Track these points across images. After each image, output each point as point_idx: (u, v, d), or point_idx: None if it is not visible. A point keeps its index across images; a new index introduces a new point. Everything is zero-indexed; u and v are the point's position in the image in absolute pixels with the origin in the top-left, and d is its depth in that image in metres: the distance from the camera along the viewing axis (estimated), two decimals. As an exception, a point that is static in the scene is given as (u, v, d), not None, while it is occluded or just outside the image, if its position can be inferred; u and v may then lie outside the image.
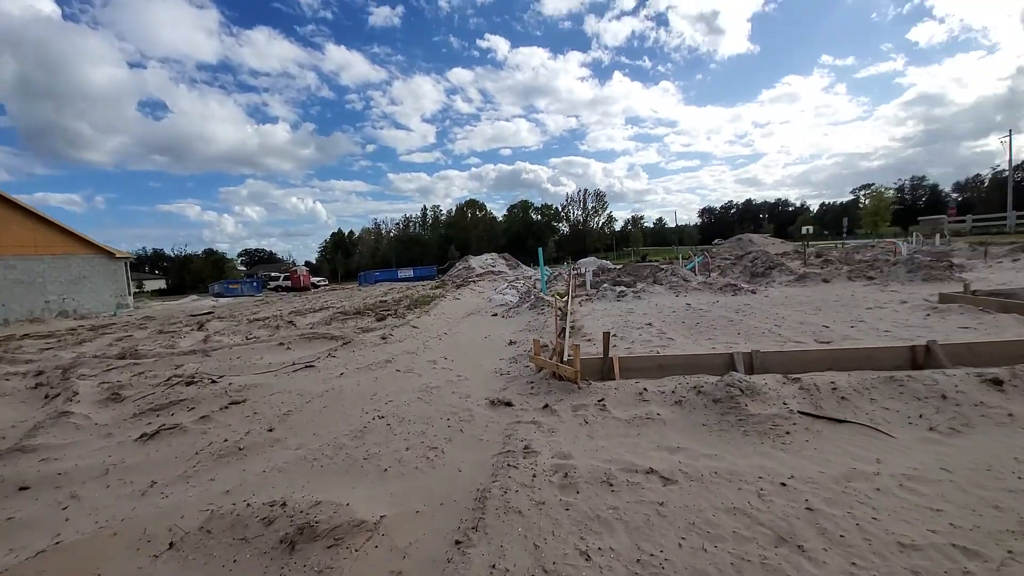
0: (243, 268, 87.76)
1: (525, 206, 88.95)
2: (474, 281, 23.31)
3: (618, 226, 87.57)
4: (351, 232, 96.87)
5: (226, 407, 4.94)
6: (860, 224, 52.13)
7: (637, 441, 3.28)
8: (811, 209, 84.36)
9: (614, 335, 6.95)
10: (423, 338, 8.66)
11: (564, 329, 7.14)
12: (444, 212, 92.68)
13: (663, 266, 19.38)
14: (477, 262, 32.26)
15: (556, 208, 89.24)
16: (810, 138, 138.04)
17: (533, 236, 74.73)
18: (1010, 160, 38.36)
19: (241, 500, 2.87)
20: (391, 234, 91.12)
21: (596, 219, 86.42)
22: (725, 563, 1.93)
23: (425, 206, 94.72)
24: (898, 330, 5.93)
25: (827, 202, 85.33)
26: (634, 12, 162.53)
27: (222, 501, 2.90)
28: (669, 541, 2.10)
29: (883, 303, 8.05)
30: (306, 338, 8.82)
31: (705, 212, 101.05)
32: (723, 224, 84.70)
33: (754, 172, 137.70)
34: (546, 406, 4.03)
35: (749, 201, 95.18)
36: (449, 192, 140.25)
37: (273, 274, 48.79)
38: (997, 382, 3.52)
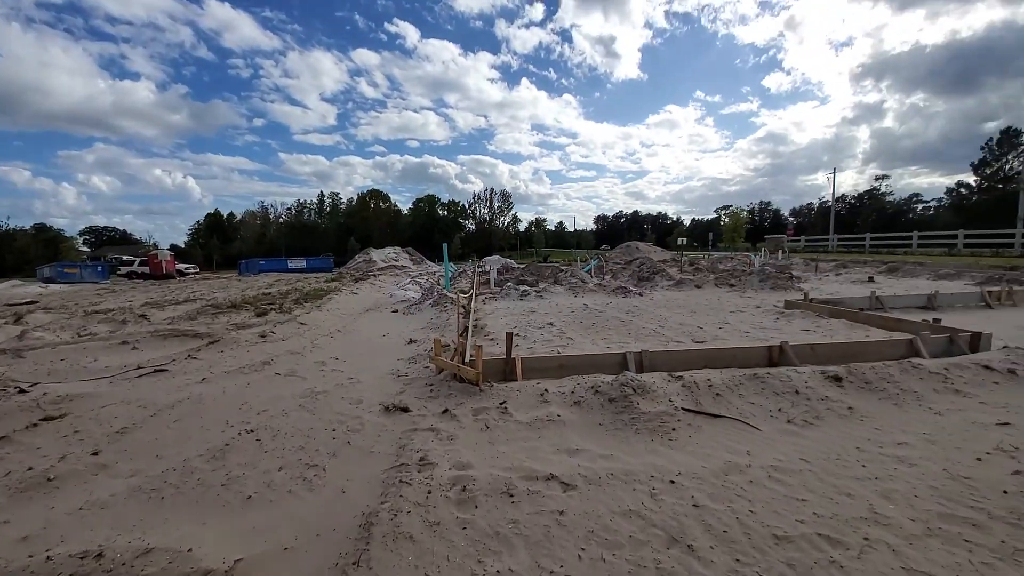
0: (87, 249, 72.56)
1: (431, 200, 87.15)
2: (374, 275, 22.04)
3: (522, 227, 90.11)
4: (230, 215, 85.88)
5: (35, 424, 3.88)
6: (722, 238, 60.61)
7: (538, 444, 3.21)
8: (684, 223, 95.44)
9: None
10: (312, 336, 7.84)
11: (467, 328, 6.96)
12: (344, 200, 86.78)
13: (563, 268, 20.25)
14: (379, 255, 30.62)
15: (463, 205, 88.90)
16: (685, 161, 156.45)
17: (439, 231, 73.46)
18: (832, 193, 48.37)
19: (41, 551, 2.20)
20: (281, 219, 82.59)
21: (502, 218, 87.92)
22: (623, 572, 1.90)
23: (322, 192, 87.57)
24: (755, 331, 6.78)
25: (696, 218, 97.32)
26: (542, 24, 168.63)
27: (14, 554, 2.20)
28: (569, 554, 2.02)
29: (742, 308, 9.23)
30: (160, 336, 7.44)
31: (599, 219, 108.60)
32: (615, 231, 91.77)
33: (640, 187, 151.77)
34: (446, 411, 3.81)
35: (636, 212, 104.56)
36: (351, 180, 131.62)
37: (126, 258, 41.31)
38: (837, 379, 4.13)
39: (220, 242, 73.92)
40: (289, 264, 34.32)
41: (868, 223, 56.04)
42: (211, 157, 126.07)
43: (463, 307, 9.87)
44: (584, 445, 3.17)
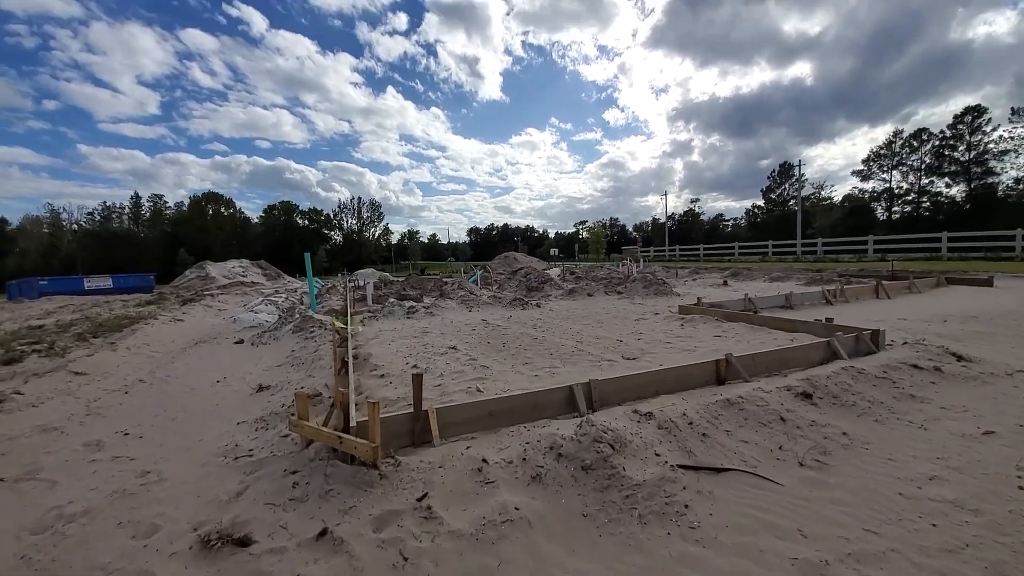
0: None
1: (288, 208, 77.78)
2: (212, 295, 17.76)
3: (395, 239, 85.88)
4: (2, 220, 64.69)
5: None
6: (587, 249, 66.20)
7: (501, 582, 1.87)
8: (550, 236, 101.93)
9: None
10: (92, 394, 5.18)
11: (345, 363, 5.20)
12: (172, 205, 72.13)
13: (446, 279, 18.89)
14: (219, 270, 25.25)
15: (328, 214, 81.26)
16: (545, 180, 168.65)
17: (299, 243, 65.47)
18: (666, 212, 57.34)
19: None
20: (76, 226, 65.00)
21: (372, 229, 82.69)
22: None
23: (137, 193, 71.41)
24: (677, 341, 6.39)
25: (560, 231, 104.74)
26: (406, 34, 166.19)
27: None
28: None
29: (643, 315, 9.06)
30: None
31: (472, 231, 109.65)
32: (487, 243, 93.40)
33: (508, 202, 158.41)
34: (324, 532, 2.21)
35: (506, 225, 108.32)
36: (183, 182, 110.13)
37: None
38: (807, 395, 3.61)
39: None
40: (86, 284, 26.19)
41: (697, 236, 66.48)
42: None
43: (338, 332, 7.89)
44: (580, 568, 1.93)
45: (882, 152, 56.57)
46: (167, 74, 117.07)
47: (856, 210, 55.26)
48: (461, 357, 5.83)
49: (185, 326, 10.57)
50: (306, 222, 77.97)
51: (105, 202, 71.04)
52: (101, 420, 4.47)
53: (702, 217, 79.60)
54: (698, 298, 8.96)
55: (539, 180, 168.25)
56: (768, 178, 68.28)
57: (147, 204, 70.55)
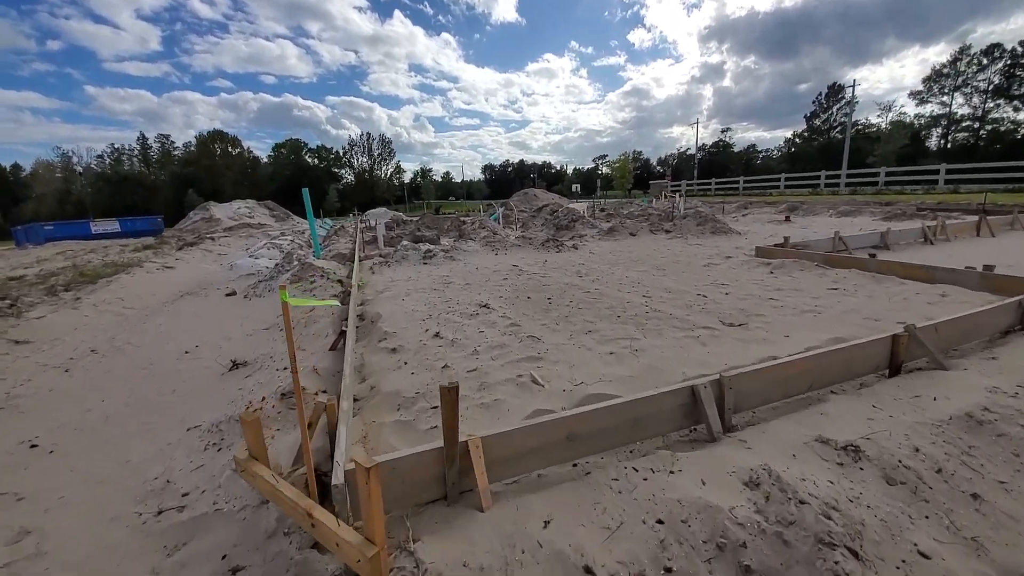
0: None
1: (297, 146, 74.88)
2: (213, 238, 16.54)
3: (407, 178, 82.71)
4: (15, 167, 63.88)
5: None
6: (609, 185, 62.27)
7: None
8: (568, 172, 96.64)
9: (436, 335, 4.01)
10: (21, 374, 3.97)
11: (344, 334, 3.81)
12: (180, 146, 70.00)
13: (464, 218, 17.22)
14: (225, 212, 23.91)
15: (337, 152, 78.20)
16: (563, 112, 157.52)
17: (310, 183, 63.37)
18: (696, 143, 52.17)
19: None
20: (82, 169, 63.91)
21: (384, 168, 79.66)
22: None
23: (143, 134, 69.22)
24: (780, 296, 4.80)
25: (578, 167, 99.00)
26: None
27: None
28: None
29: (711, 259, 7.40)
30: None
31: (487, 169, 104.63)
32: (503, 180, 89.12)
33: (524, 137, 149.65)
34: None
35: (522, 161, 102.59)
36: (192, 121, 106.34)
37: None
38: None
39: (9, 204, 54.87)
40: (93, 228, 25.33)
41: (735, 169, 61.91)
42: None
43: (339, 283, 6.50)
44: None
45: (944, 71, 49.95)
46: (165, 6, 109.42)
47: (912, 137, 49.97)
48: (498, 321, 4.38)
49: (174, 274, 9.36)
50: (316, 161, 75.16)
51: (113, 144, 69.22)
52: (13, 419, 3.24)
53: (733, 148, 73.83)
54: (784, 237, 7.20)
55: (556, 112, 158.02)
56: (813, 102, 61.75)
57: (155, 145, 68.56)
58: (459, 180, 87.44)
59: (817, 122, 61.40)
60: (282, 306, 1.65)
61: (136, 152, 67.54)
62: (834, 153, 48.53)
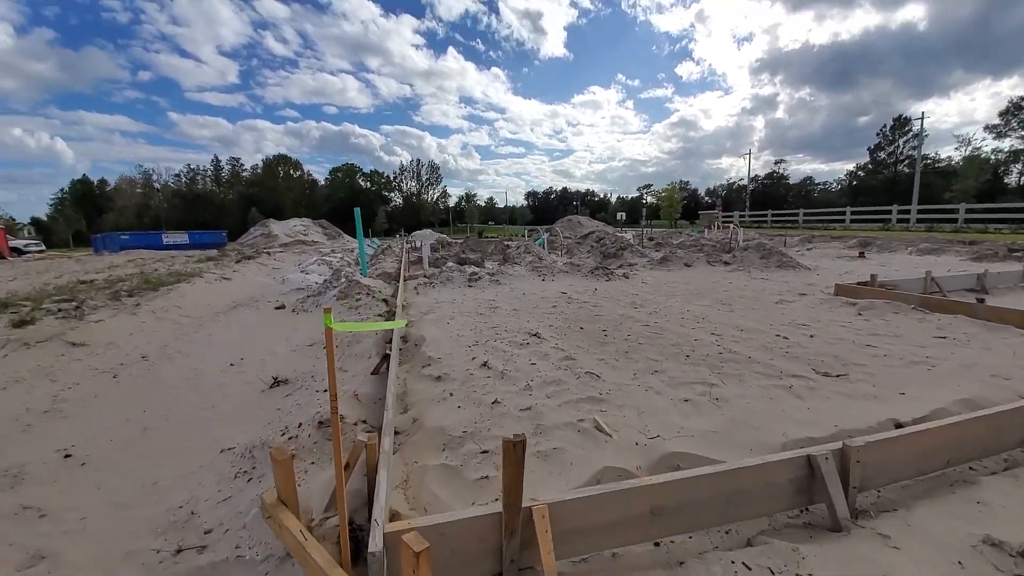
0: None
1: (351, 171, 79.05)
2: (269, 253, 17.28)
3: (452, 202, 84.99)
4: (102, 181, 71.11)
5: None
6: (656, 215, 61.08)
7: None
8: (611, 200, 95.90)
9: (484, 364, 3.68)
10: (71, 378, 3.99)
11: (387, 359, 3.56)
12: (248, 168, 75.62)
13: (508, 243, 17.12)
14: (282, 228, 25.18)
15: (388, 176, 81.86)
16: (607, 142, 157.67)
17: (362, 205, 66.33)
18: (748, 173, 50.51)
19: None
20: (159, 187, 69.99)
21: (431, 192, 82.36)
22: None
23: (217, 157, 75.42)
24: (879, 343, 4.16)
25: (621, 196, 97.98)
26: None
27: None
28: None
29: (782, 296, 6.73)
30: None
31: (530, 195, 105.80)
32: (546, 207, 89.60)
33: (567, 165, 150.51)
34: None
35: (565, 189, 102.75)
36: (261, 147, 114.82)
37: (-69, 233, 31.36)
38: None
39: (94, 214, 60.91)
40: (165, 240, 27.39)
41: (794, 201, 59.29)
42: (84, 115, 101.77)
43: (385, 302, 6.38)
44: None
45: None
46: (244, 43, 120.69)
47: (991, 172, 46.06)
48: (550, 352, 4.02)
49: (231, 286, 9.67)
50: (368, 184, 78.88)
51: (190, 165, 75.79)
52: (55, 424, 3.18)
53: (787, 180, 70.90)
54: (872, 275, 6.46)
55: (601, 142, 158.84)
56: (878, 134, 58.54)
57: (226, 167, 74.46)
58: (502, 205, 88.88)
59: (882, 155, 58.07)
60: (325, 332, 1.39)
61: (209, 172, 73.46)
62: (901, 187, 45.45)
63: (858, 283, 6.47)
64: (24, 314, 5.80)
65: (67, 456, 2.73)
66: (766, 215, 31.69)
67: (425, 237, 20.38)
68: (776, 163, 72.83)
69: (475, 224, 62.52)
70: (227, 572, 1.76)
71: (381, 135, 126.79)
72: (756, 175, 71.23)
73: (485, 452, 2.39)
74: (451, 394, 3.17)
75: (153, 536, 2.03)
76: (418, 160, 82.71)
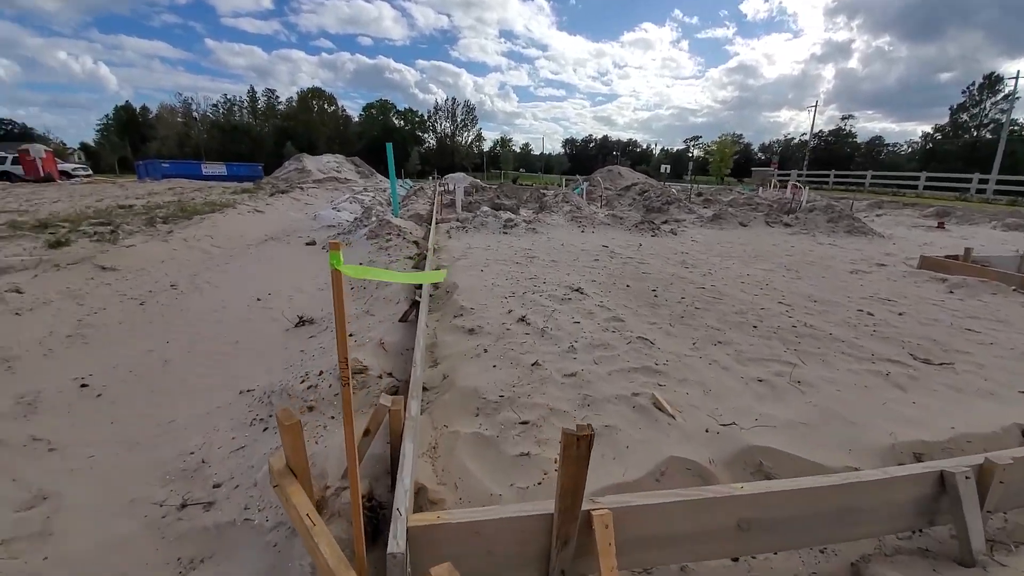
0: None
1: (385, 107, 77.13)
2: (302, 188, 17.15)
3: (486, 147, 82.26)
4: (143, 108, 72.13)
5: None
6: (703, 170, 57.24)
7: None
8: (654, 152, 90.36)
9: (522, 319, 3.32)
10: (98, 301, 3.89)
11: (416, 305, 3.25)
12: (283, 100, 74.90)
13: (544, 191, 16.33)
14: (316, 164, 24.96)
15: (423, 115, 79.56)
16: (656, 87, 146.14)
17: (395, 144, 65.10)
18: (811, 128, 45.59)
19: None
20: (197, 117, 70.51)
21: (465, 134, 79.89)
22: None
23: (253, 88, 74.75)
24: (984, 329, 3.54)
25: (665, 148, 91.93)
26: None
27: None
28: None
29: (855, 264, 6.00)
30: None
31: (568, 143, 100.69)
32: (584, 156, 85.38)
33: (610, 111, 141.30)
34: None
35: (606, 137, 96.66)
36: (295, 79, 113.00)
37: (-6, 153, 32.83)
38: None
39: (138, 142, 62.40)
40: (204, 170, 27.73)
41: (862, 162, 54.49)
42: (125, 40, 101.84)
43: (416, 244, 6.05)
44: None
45: None
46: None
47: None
48: (595, 311, 3.62)
49: (263, 218, 9.56)
50: (402, 123, 77.01)
51: (226, 95, 75.64)
52: (76, 350, 3.07)
53: (854, 138, 64.66)
54: (966, 248, 5.62)
55: (648, 87, 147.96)
56: (963, 92, 51.84)
57: (262, 99, 73.84)
58: (538, 152, 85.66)
59: (964, 117, 51.80)
60: (331, 275, 1.02)
61: (245, 104, 73.19)
62: (981, 155, 40.67)
63: (946, 256, 5.66)
64: (60, 235, 5.79)
65: (83, 386, 2.60)
66: (828, 175, 29.11)
67: (459, 180, 19.73)
68: (843, 119, 65.98)
69: (509, 171, 60.71)
70: (232, 538, 1.55)
71: (416, 71, 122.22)
72: (820, 131, 65.29)
73: (524, 423, 2.07)
74: (485, 350, 2.84)
75: (160, 484, 1.85)
76: (453, 99, 79.76)
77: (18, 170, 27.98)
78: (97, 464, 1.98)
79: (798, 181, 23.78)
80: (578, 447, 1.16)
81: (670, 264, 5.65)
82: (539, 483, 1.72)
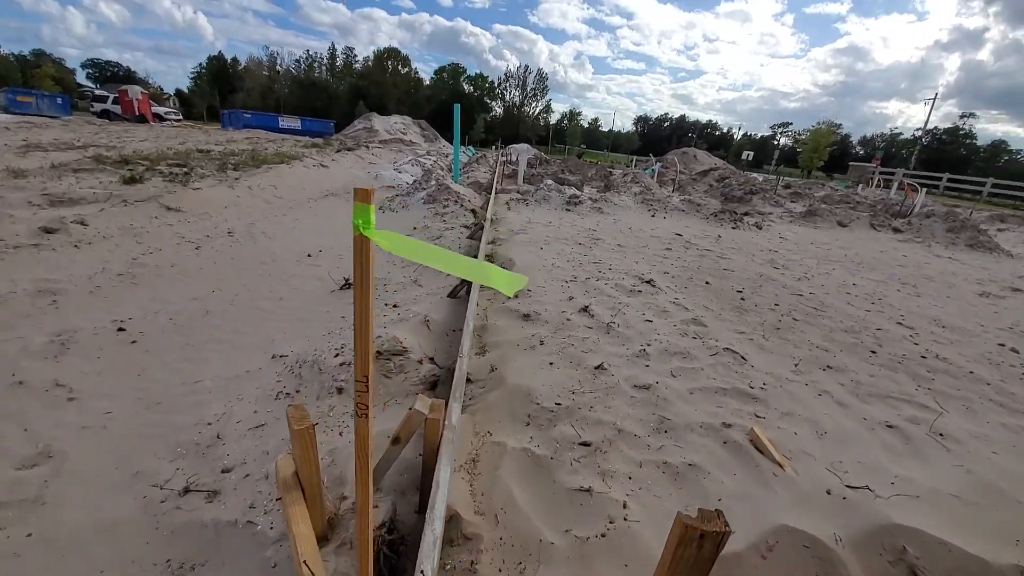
0: (90, 84, 65.39)
1: (456, 72, 76.60)
2: (368, 147, 17.28)
3: (553, 119, 79.76)
4: (234, 60, 76.26)
5: None
6: (791, 160, 52.20)
7: None
8: (735, 137, 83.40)
9: (584, 309, 2.89)
10: (155, 241, 3.88)
11: (465, 285, 2.91)
12: (360, 59, 76.34)
13: (611, 169, 15.40)
14: (383, 124, 25.17)
15: (492, 82, 78.29)
16: (748, 65, 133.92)
17: (462, 109, 64.78)
18: (926, 123, 40.13)
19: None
20: (281, 71, 73.53)
21: (534, 104, 77.91)
22: None
23: (333, 44, 76.69)
24: None
25: (748, 134, 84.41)
26: None
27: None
28: None
29: (984, 285, 4.97)
30: None
31: (640, 121, 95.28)
32: (655, 136, 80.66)
33: (691, 90, 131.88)
34: None
35: (683, 117, 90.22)
36: (374, 39, 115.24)
37: (99, 93, 36.05)
38: None
39: (227, 92, 66.44)
40: (280, 123, 28.88)
41: (982, 167, 47.78)
42: None
43: (473, 212, 5.71)
44: None
45: None
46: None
47: None
48: (670, 309, 3.11)
49: (326, 173, 9.60)
50: (471, 88, 76.27)
51: (309, 51, 78.14)
52: (122, 289, 3.02)
53: (973, 140, 56.24)
54: None
55: (739, 65, 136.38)
56: None
57: (341, 56, 75.60)
58: (606, 129, 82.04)
59: None
60: (354, 242, 0.65)
61: (325, 61, 75.32)
62: None
63: (1124, 288, 4.51)
64: (137, 172, 5.98)
65: (120, 330, 2.50)
66: (940, 179, 25.53)
67: (522, 151, 19.11)
68: (961, 117, 57.37)
69: (575, 146, 58.72)
70: (230, 544, 1.30)
71: (492, 35, 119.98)
72: (935, 127, 57.49)
73: (585, 445, 1.68)
74: (541, 342, 2.46)
75: (170, 457, 1.65)
76: (526, 67, 77.66)
77: (117, 109, 30.52)
78: (111, 423, 1.83)
79: (904, 180, 20.95)
80: (700, 546, 0.75)
81: (756, 262, 4.94)
82: (602, 535, 1.33)
